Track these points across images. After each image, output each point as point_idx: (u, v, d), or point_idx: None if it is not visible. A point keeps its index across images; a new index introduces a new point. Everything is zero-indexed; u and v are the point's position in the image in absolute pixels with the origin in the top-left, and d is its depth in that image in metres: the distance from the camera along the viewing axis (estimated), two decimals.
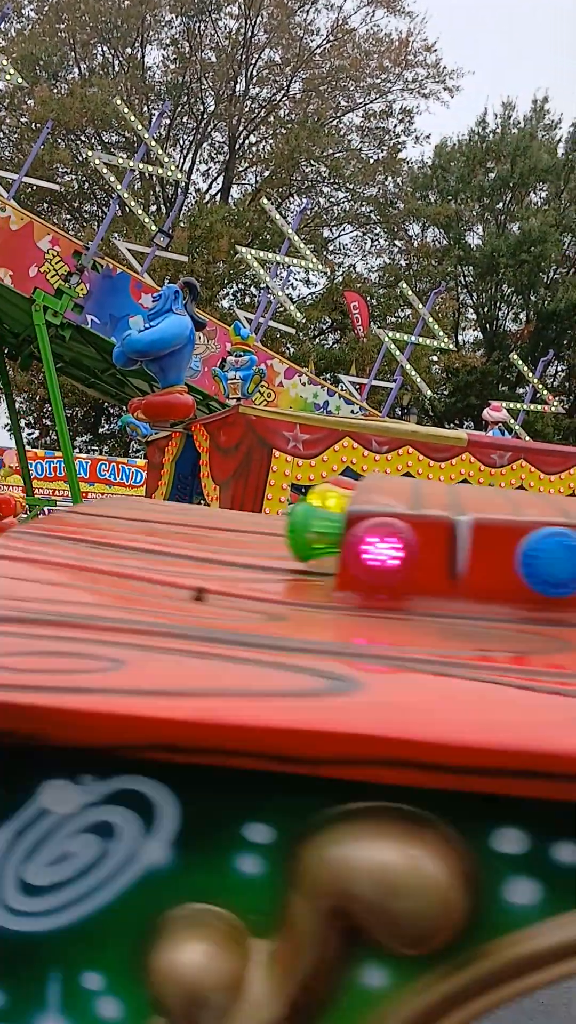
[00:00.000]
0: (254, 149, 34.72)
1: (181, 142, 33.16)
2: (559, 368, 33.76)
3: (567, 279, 32.40)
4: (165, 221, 15.05)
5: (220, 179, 34.22)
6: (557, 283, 32.40)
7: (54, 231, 12.22)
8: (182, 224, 27.41)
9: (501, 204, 34.37)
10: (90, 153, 15.01)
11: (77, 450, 28.63)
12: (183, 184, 29.38)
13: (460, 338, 35.50)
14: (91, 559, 1.11)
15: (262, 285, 13.16)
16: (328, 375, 23.06)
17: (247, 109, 33.08)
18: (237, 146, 33.81)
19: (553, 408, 15.79)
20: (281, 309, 21.89)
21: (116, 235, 18.90)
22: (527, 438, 16.23)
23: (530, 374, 14.69)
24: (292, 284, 33.40)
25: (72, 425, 30.35)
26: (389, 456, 8.30)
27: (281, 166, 32.71)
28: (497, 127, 33.99)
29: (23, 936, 0.72)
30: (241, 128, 33.14)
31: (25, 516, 9.04)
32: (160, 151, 12.57)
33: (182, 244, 24.51)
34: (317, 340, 33.22)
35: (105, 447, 31.99)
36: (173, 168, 13.51)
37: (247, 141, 34.21)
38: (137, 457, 25.09)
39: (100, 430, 31.78)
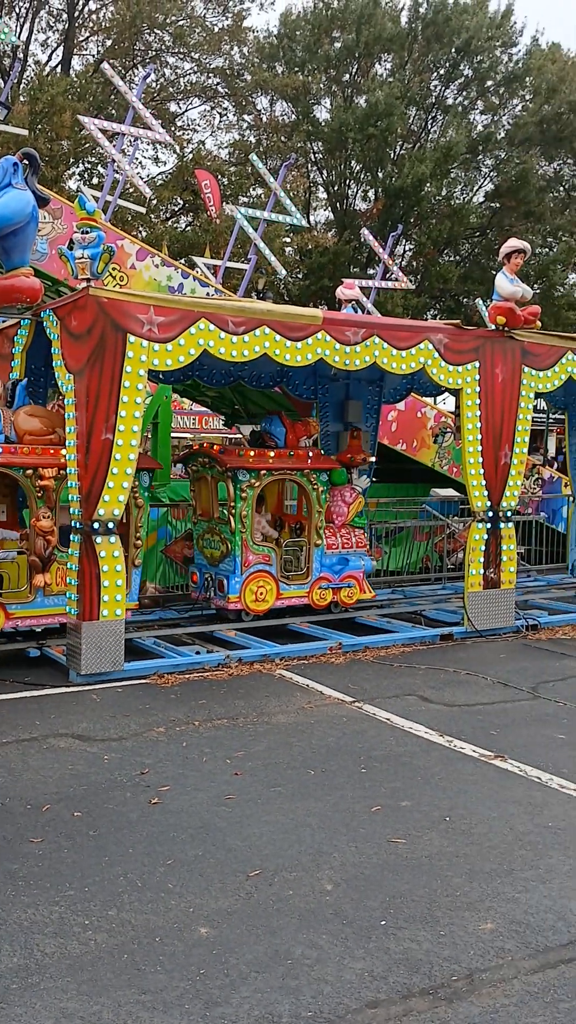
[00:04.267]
0: (94, 17, 32.68)
1: (17, 10, 30.79)
2: (407, 247, 34.00)
3: (412, 154, 32.31)
4: (2, 92, 14.11)
5: (60, 50, 32.14)
6: (403, 159, 32.30)
7: None
8: (22, 98, 25.75)
9: (348, 76, 33.69)
10: None
11: None
12: (20, 50, 27.47)
13: (312, 218, 35.12)
14: None
15: (108, 161, 12.61)
16: (183, 259, 22.53)
17: None
18: (76, 13, 31.72)
19: (404, 285, 16.00)
20: (130, 189, 21.07)
21: None
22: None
23: (380, 250, 14.80)
24: (140, 162, 32.09)
25: None
26: (246, 337, 8.25)
27: (123, 34, 30.94)
28: None
29: None
30: None
31: None
32: None
33: (23, 119, 23.11)
34: (169, 223, 32.24)
35: None
36: (7, 30, 12.59)
37: (87, 8, 32.17)
38: None
39: None
